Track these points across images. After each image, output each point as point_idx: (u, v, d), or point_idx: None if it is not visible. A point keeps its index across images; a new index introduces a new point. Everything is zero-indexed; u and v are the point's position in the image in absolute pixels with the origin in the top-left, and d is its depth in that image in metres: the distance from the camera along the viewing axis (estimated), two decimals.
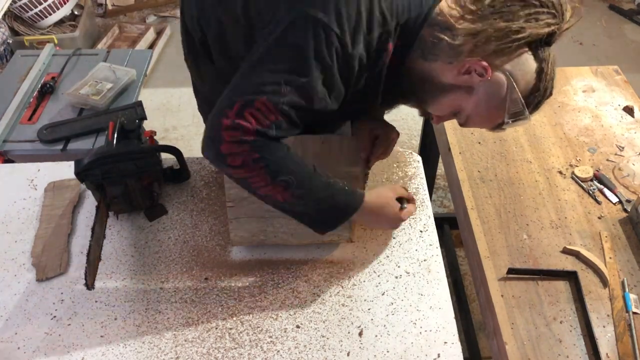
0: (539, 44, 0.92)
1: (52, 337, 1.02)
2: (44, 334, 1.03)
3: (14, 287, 1.10)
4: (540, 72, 0.93)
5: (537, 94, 0.96)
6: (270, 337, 1.02)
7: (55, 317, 1.05)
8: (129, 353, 1.00)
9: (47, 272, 1.11)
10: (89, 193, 1.27)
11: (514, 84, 0.93)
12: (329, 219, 1.01)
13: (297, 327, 1.04)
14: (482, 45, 0.90)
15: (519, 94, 0.93)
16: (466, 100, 0.96)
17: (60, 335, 1.02)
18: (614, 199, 1.25)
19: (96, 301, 1.08)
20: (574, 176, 1.30)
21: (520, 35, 0.88)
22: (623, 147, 1.38)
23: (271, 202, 0.97)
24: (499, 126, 1.00)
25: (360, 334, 1.03)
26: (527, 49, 0.92)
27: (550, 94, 0.98)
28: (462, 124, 1.03)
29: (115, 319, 1.05)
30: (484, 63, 0.91)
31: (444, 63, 0.94)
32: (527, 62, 0.93)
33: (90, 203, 1.26)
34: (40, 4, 2.81)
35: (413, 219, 1.23)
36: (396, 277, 1.12)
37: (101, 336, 1.02)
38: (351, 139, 1.12)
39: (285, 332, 1.03)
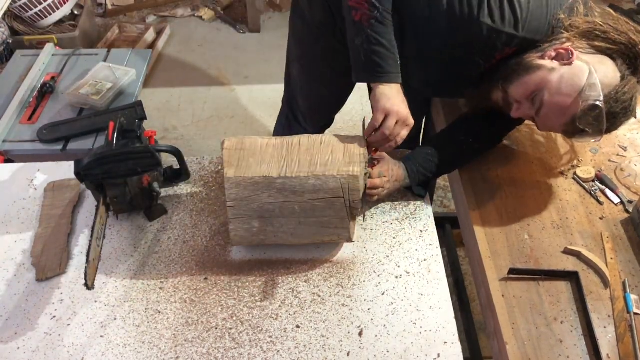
0: (624, 61, 1.06)
1: (52, 337, 1.02)
2: (43, 334, 1.02)
3: (14, 287, 1.10)
4: (622, 78, 1.04)
5: (616, 96, 1.03)
6: (270, 337, 1.02)
7: (55, 317, 1.05)
8: (128, 353, 0.99)
9: (47, 272, 1.11)
10: (89, 193, 1.26)
11: (594, 70, 1.03)
12: (365, 68, 1.12)
13: (297, 327, 1.03)
14: (577, 40, 1.07)
15: (597, 80, 1.01)
16: (547, 79, 1.06)
17: (60, 335, 1.02)
18: (616, 200, 1.25)
19: (96, 301, 1.08)
20: (576, 177, 1.29)
21: (608, 35, 1.06)
22: (625, 148, 1.37)
23: (349, 17, 1.11)
24: (572, 123, 1.05)
25: (360, 334, 1.02)
26: (610, 60, 1.06)
27: (629, 113, 1.06)
28: (536, 114, 1.10)
29: (115, 319, 1.05)
30: (572, 49, 1.06)
31: (538, 51, 1.10)
32: (610, 66, 1.05)
33: (90, 203, 1.26)
34: (40, 3, 2.80)
35: (413, 218, 1.22)
36: (396, 277, 1.11)
37: (101, 336, 1.02)
38: (351, 139, 1.12)
39: (285, 332, 1.02)
